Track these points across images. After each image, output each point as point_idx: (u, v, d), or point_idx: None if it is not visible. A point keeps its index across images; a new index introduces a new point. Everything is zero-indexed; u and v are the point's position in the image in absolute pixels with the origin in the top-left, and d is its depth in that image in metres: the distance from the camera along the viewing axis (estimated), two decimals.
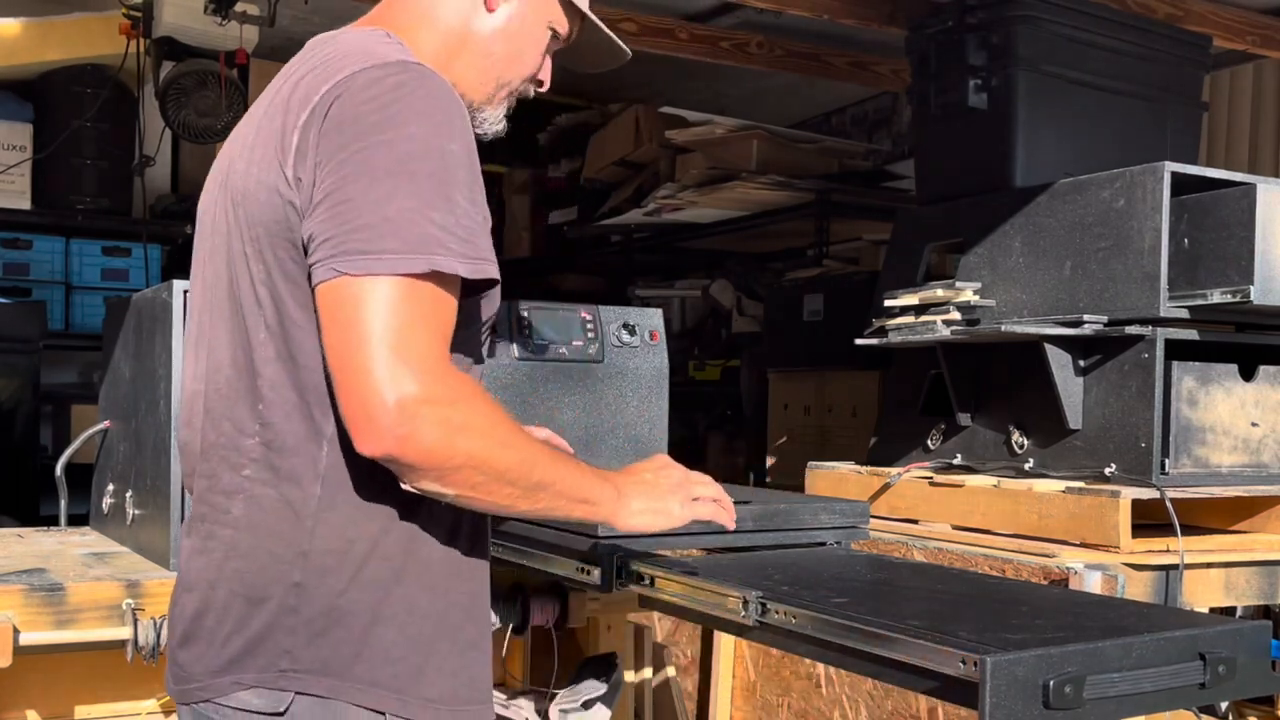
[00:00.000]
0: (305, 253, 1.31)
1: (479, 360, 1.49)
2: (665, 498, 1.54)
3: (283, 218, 1.32)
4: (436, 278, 1.27)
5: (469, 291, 1.35)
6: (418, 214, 1.26)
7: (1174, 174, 2.56)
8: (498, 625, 2.01)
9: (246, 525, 1.36)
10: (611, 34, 1.64)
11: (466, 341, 1.41)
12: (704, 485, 1.60)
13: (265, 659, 1.33)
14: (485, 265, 1.31)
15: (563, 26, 1.59)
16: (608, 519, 1.48)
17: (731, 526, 1.63)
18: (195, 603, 1.39)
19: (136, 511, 2.40)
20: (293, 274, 1.33)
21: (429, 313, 1.27)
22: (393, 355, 1.23)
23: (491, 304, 1.45)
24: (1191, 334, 2.60)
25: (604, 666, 2.45)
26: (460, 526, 1.41)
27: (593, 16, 1.61)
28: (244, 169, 1.39)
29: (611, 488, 1.47)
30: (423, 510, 1.37)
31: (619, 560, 1.86)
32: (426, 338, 1.26)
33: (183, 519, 2.19)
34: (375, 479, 1.32)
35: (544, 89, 1.63)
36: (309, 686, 1.32)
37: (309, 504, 1.33)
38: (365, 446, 1.25)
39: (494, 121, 1.57)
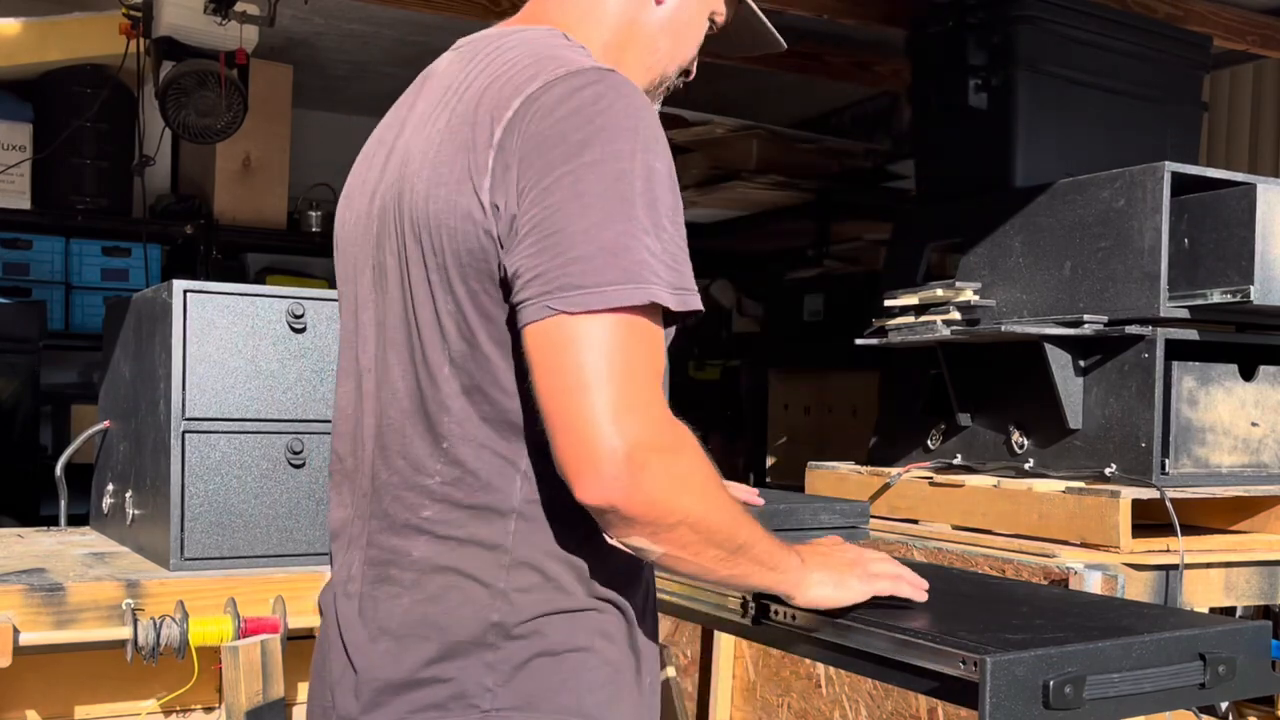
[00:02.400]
0: (505, 287, 1.21)
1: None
2: (844, 572, 1.43)
3: (478, 248, 1.22)
4: (651, 311, 1.18)
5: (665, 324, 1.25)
6: (633, 240, 1.16)
7: (1174, 174, 2.56)
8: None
9: (432, 568, 1.27)
10: (766, 20, 1.56)
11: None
12: (881, 562, 1.49)
13: (467, 701, 1.25)
14: (690, 297, 1.21)
15: (721, 15, 1.51)
16: (790, 590, 1.39)
17: (921, 599, 1.49)
18: (382, 656, 1.30)
19: (136, 511, 2.40)
20: (486, 308, 1.24)
21: (649, 351, 1.18)
22: (620, 401, 1.15)
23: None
24: (1191, 334, 2.60)
25: None
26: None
27: (751, 4, 1.54)
28: (426, 190, 1.27)
29: (795, 556, 1.38)
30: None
31: None
32: (648, 380, 1.18)
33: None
34: (570, 506, 1.23)
35: (690, 79, 1.54)
36: None
37: (505, 539, 1.25)
38: (587, 495, 1.17)
39: None
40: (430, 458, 1.28)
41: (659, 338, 1.21)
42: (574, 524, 1.26)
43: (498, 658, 1.24)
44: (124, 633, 2.01)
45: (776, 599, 1.55)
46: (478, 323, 1.24)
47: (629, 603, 1.33)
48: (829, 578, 1.42)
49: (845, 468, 3.15)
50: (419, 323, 1.28)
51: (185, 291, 2.19)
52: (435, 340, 1.27)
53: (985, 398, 2.91)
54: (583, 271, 1.15)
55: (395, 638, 1.28)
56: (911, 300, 2.92)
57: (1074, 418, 2.67)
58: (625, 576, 1.32)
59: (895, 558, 1.57)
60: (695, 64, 1.54)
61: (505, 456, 1.25)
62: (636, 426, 1.15)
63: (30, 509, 4.08)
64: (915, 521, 2.85)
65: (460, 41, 1.42)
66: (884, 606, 1.48)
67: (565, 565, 1.27)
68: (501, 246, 1.21)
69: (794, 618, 1.54)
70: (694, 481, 1.21)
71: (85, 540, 2.57)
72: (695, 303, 1.22)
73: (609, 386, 1.15)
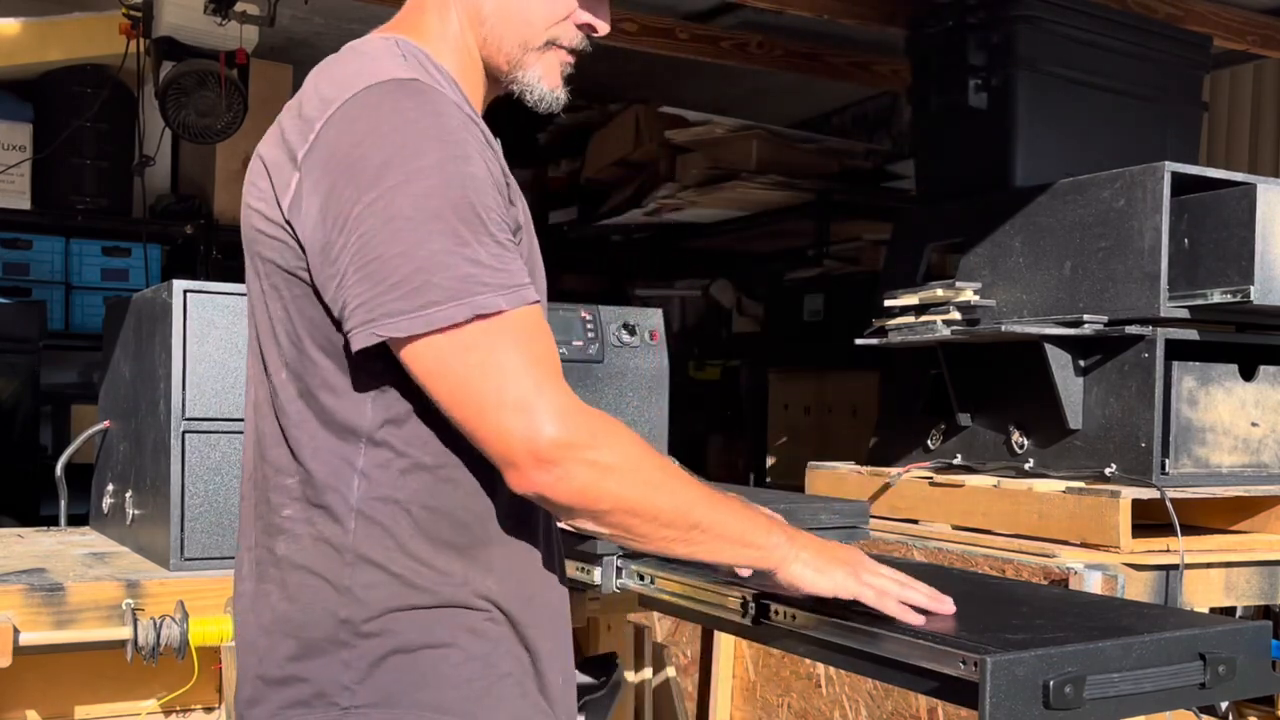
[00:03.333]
0: (330, 310, 1.26)
1: None
2: (832, 562, 1.43)
3: (292, 257, 1.28)
4: (513, 310, 1.22)
5: None
6: (450, 255, 1.20)
7: (1174, 174, 2.56)
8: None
9: (290, 566, 1.32)
10: None
11: None
12: (880, 577, 1.45)
13: (328, 699, 1.29)
14: (522, 291, 1.24)
15: None
16: (774, 566, 1.40)
17: (911, 619, 1.43)
18: (258, 652, 1.35)
19: (136, 511, 2.40)
20: (309, 313, 1.29)
21: (525, 345, 1.22)
22: (519, 409, 1.20)
23: None
24: (1192, 334, 2.60)
25: (604, 666, 2.45)
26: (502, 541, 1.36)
27: None
28: (249, 203, 1.34)
29: (783, 535, 1.40)
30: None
31: (619, 560, 1.86)
32: (536, 377, 1.22)
33: (171, 526, 2.20)
34: (424, 504, 1.29)
35: (600, 34, 1.46)
36: None
37: (346, 538, 1.29)
38: (517, 487, 1.24)
39: (532, 85, 1.43)
40: (287, 459, 1.33)
41: (523, 329, 1.23)
42: (434, 521, 1.30)
43: (353, 656, 1.28)
44: (124, 633, 2.01)
45: (776, 597, 1.55)
46: (302, 328, 1.30)
47: (514, 603, 1.34)
48: (814, 561, 1.42)
49: (845, 468, 3.15)
50: (259, 330, 1.36)
51: (185, 291, 2.19)
52: (272, 347, 1.33)
53: (985, 398, 2.91)
54: (403, 295, 1.20)
55: (268, 634, 1.34)
56: (911, 300, 2.92)
57: (1074, 418, 2.67)
58: (508, 575, 1.34)
59: (895, 558, 1.56)
60: (598, 15, 1.44)
61: (342, 456, 1.30)
62: (545, 425, 1.20)
63: (30, 509, 4.08)
64: (915, 521, 2.85)
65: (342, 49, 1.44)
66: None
67: (417, 563, 1.30)
68: (304, 250, 1.26)
69: (794, 618, 1.54)
70: (621, 468, 1.25)
71: (85, 540, 2.57)
72: (528, 295, 1.25)
73: (506, 403, 1.21)
